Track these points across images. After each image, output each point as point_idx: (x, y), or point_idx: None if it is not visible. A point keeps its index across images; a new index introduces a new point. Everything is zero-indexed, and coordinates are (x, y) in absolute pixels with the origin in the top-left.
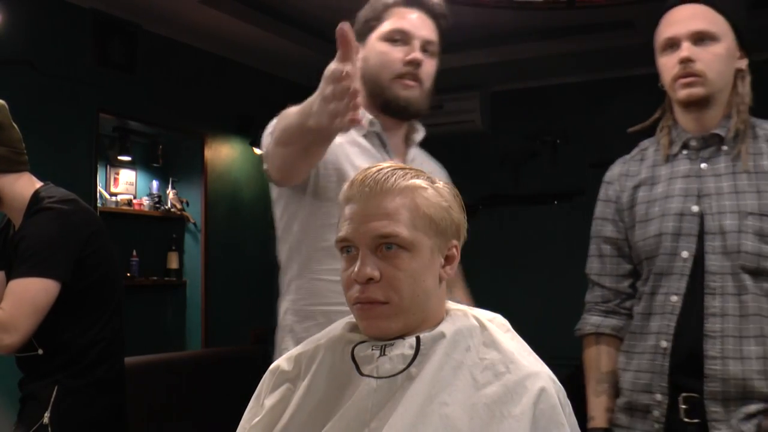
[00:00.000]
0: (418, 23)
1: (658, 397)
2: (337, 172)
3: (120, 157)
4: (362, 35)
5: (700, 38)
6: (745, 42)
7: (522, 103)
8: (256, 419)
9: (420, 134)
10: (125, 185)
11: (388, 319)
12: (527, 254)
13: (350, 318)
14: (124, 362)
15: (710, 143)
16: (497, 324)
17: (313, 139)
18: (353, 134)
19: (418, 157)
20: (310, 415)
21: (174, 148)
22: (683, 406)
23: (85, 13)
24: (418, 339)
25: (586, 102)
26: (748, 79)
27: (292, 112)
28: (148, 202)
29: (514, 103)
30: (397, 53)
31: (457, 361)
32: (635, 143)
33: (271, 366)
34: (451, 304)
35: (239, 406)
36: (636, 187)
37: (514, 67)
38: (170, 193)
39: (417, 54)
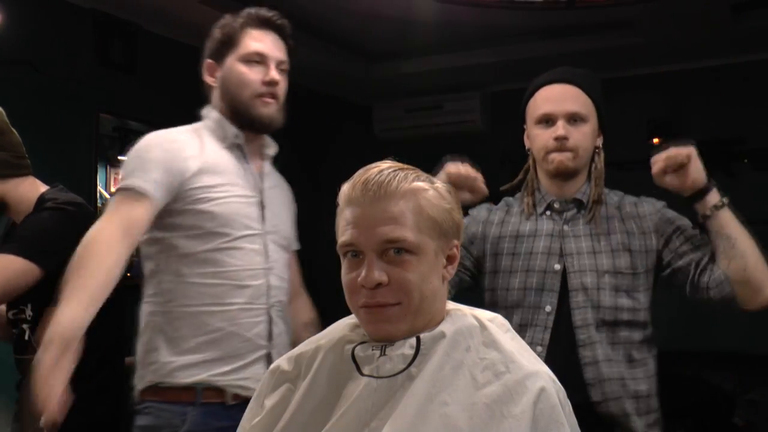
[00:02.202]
0: (271, 45)
1: None
2: (206, 185)
3: (120, 157)
4: (219, 56)
5: (573, 118)
6: (603, 124)
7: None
8: (257, 419)
9: (272, 149)
10: None
11: (397, 321)
12: None
13: (351, 318)
14: (123, 368)
15: (571, 207)
16: (497, 324)
17: None
18: (218, 146)
19: (271, 173)
20: (310, 415)
21: None
22: None
23: (85, 13)
24: (418, 339)
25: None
26: (602, 155)
27: None
28: None
29: (514, 103)
30: (255, 74)
31: (457, 360)
32: (633, 145)
33: (271, 366)
34: (450, 304)
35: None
36: (500, 237)
37: (514, 67)
38: None
39: (274, 74)
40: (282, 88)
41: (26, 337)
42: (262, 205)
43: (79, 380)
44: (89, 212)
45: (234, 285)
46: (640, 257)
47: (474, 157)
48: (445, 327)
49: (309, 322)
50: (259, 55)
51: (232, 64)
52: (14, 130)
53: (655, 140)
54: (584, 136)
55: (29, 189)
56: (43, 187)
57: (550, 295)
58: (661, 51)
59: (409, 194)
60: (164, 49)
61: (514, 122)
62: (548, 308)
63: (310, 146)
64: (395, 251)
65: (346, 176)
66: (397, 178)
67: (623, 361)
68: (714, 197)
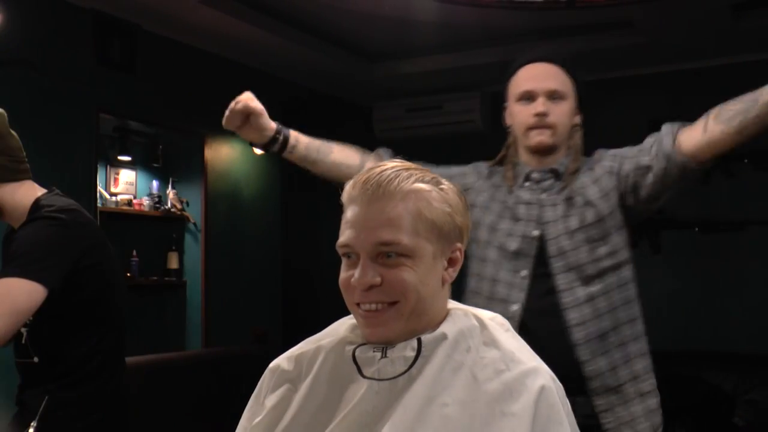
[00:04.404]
0: None
1: None
2: None
3: (120, 157)
4: None
5: (553, 96)
6: (581, 103)
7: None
8: (257, 419)
9: None
10: (125, 185)
11: (392, 322)
12: None
13: (350, 318)
14: (122, 378)
15: (548, 177)
16: (497, 323)
17: None
18: None
19: None
20: (311, 416)
21: (174, 148)
22: None
23: (85, 13)
24: (419, 341)
25: (586, 102)
26: (580, 132)
27: None
28: (148, 202)
29: None
30: None
31: (457, 362)
32: (633, 144)
33: (271, 365)
34: (451, 303)
35: (239, 406)
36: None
37: None
38: (170, 193)
39: None
40: None
41: (23, 341)
42: None
43: (71, 386)
44: (84, 218)
45: None
46: (600, 203)
47: (474, 157)
48: (446, 328)
49: None
50: None
51: None
52: (14, 134)
53: None
54: (563, 113)
55: (25, 194)
56: (39, 191)
57: (527, 260)
58: (661, 51)
59: (409, 195)
60: (164, 49)
61: None
62: (524, 273)
63: None
64: (389, 254)
65: None
66: (399, 178)
67: (607, 313)
68: None
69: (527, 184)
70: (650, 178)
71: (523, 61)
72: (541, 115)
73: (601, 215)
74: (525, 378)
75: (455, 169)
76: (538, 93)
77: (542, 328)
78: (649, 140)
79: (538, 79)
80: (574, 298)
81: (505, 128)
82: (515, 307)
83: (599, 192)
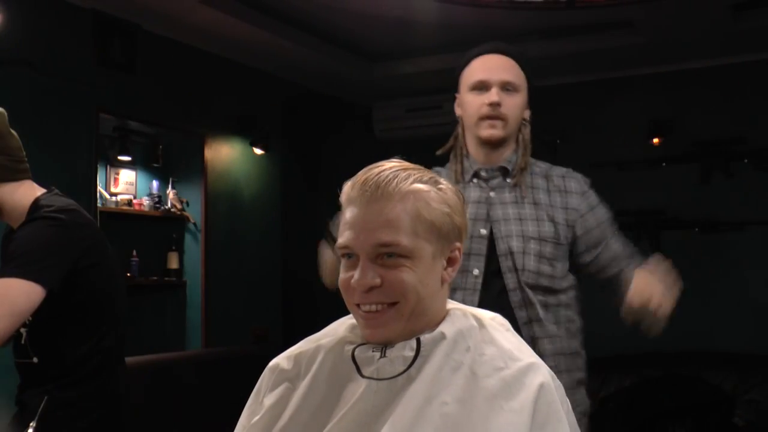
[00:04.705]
0: None
1: None
2: None
3: (120, 157)
4: None
5: (506, 87)
6: (530, 99)
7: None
8: (256, 418)
9: None
10: (125, 185)
11: (393, 323)
12: None
13: (349, 318)
14: (121, 378)
15: (497, 175)
16: (497, 323)
17: None
18: None
19: None
20: (310, 415)
21: (174, 148)
22: None
23: (85, 13)
24: (418, 341)
25: (586, 102)
26: (529, 127)
27: None
28: (148, 202)
29: None
30: None
31: (456, 361)
32: (633, 145)
33: (270, 363)
34: (451, 303)
35: (239, 406)
36: None
37: None
38: (170, 193)
39: None
40: None
41: (23, 342)
42: None
43: (70, 386)
44: (84, 218)
45: None
46: (562, 229)
47: None
48: (445, 328)
49: None
50: None
51: None
52: (14, 133)
53: (655, 140)
54: (516, 106)
55: (25, 194)
56: (38, 191)
57: (477, 259)
58: (661, 51)
59: (407, 196)
60: (164, 49)
61: None
62: (476, 272)
63: (310, 146)
64: (388, 255)
65: (346, 176)
66: (397, 179)
67: (550, 322)
68: None
69: (475, 181)
70: (595, 265)
71: (477, 52)
72: (495, 104)
73: (558, 240)
74: (524, 376)
75: None
76: (492, 83)
77: None
78: (621, 245)
79: (492, 70)
80: (521, 299)
81: (454, 119)
82: None
83: (564, 221)
